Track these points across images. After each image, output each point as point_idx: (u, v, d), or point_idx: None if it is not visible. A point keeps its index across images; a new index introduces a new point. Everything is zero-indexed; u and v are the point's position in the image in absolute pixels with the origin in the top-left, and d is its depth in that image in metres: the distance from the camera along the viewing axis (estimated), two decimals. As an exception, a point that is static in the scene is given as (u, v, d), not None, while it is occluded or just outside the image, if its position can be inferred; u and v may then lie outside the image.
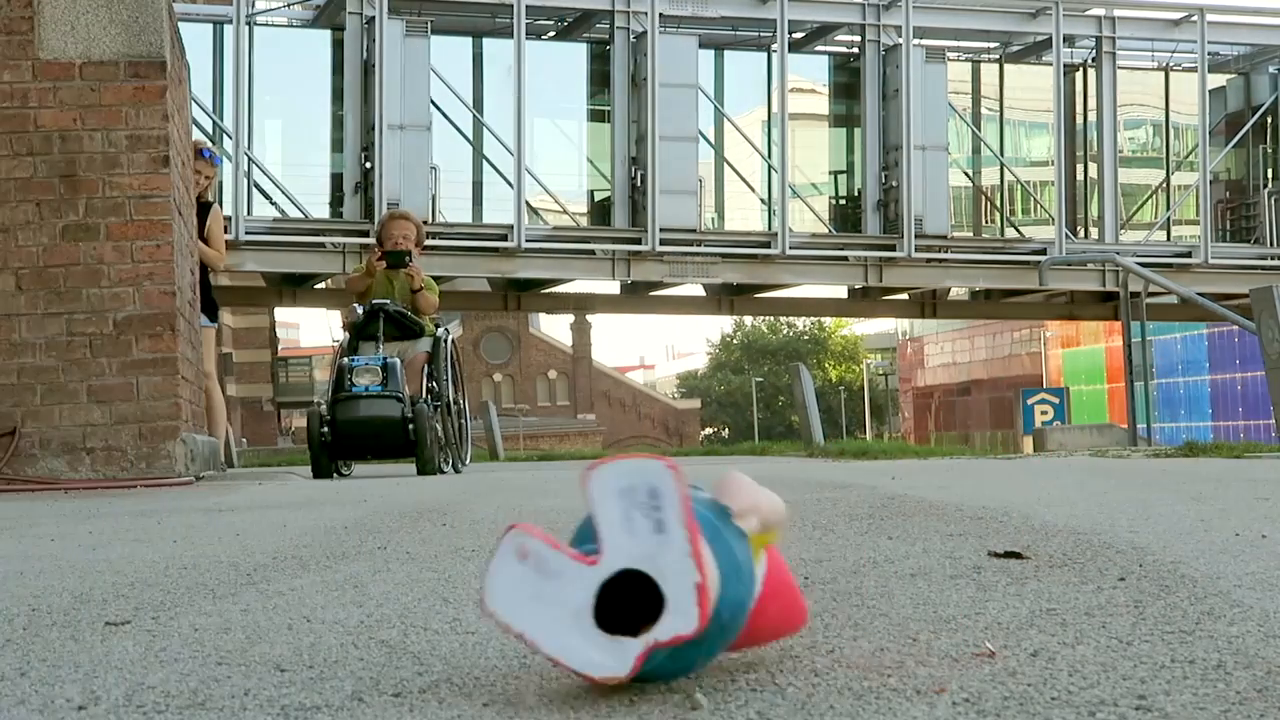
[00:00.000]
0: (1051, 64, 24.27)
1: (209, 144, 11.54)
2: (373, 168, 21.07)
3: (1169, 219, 25.51)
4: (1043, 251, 23.06)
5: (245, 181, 21.02)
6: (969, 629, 1.77)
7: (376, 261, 9.34)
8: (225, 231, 10.19)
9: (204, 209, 9.54)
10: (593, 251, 22.63)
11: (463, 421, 9.93)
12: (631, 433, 71.68)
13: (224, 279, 19.36)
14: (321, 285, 23.48)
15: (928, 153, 23.13)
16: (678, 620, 1.33)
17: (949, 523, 3.30)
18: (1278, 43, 25.82)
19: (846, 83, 24.23)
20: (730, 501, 1.41)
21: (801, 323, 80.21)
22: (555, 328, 77.43)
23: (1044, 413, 40.85)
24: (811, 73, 24.75)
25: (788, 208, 23.01)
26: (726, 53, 23.97)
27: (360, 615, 2.04)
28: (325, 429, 8.94)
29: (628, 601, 1.37)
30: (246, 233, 20.55)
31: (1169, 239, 25.38)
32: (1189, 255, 24.67)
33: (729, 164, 23.67)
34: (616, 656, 1.36)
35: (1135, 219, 25.70)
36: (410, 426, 8.85)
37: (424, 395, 9.14)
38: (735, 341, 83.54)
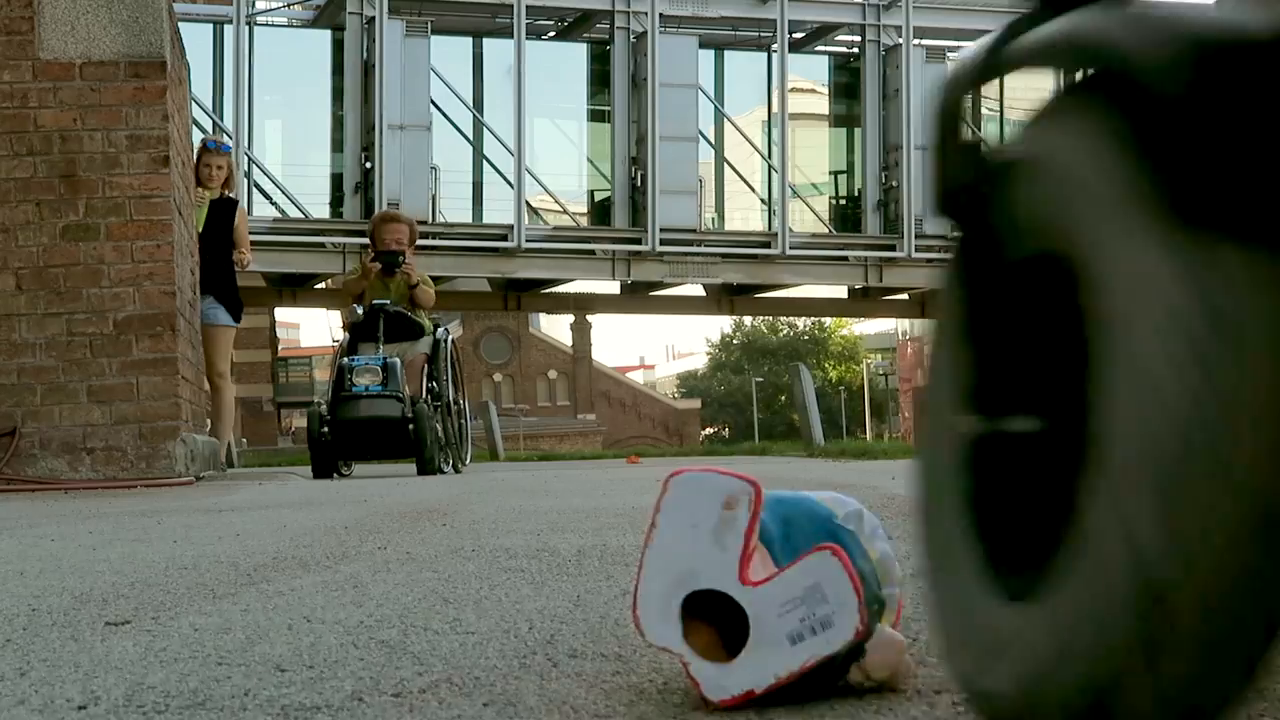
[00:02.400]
0: (1051, 64, 24.26)
1: (214, 136, 11.53)
2: (373, 168, 21.07)
3: (1169, 219, 25.53)
4: (1043, 251, 23.07)
5: (245, 181, 21.02)
6: (969, 629, 1.77)
7: (370, 264, 9.36)
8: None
9: (229, 205, 9.53)
10: (593, 251, 22.62)
11: (463, 421, 9.94)
12: (632, 433, 71.70)
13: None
14: (321, 285, 23.48)
15: (928, 153, 23.11)
16: (712, 676, 1.36)
17: (949, 523, 3.30)
18: (1278, 43, 25.81)
19: (846, 83, 24.22)
20: (875, 652, 1.41)
21: (801, 323, 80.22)
22: (555, 328, 77.45)
23: (1044, 413, 40.85)
24: (811, 73, 24.75)
25: (788, 208, 23.01)
26: (726, 53, 23.95)
27: (360, 615, 2.04)
28: (325, 429, 8.95)
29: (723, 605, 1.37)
30: (248, 233, 20.54)
31: (1169, 239, 25.39)
32: (1189, 255, 24.69)
33: (729, 164, 23.67)
34: (661, 636, 1.38)
35: (1135, 219, 25.72)
36: (410, 426, 8.86)
37: (424, 395, 9.14)
38: (735, 341, 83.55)
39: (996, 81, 1.29)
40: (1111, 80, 1.04)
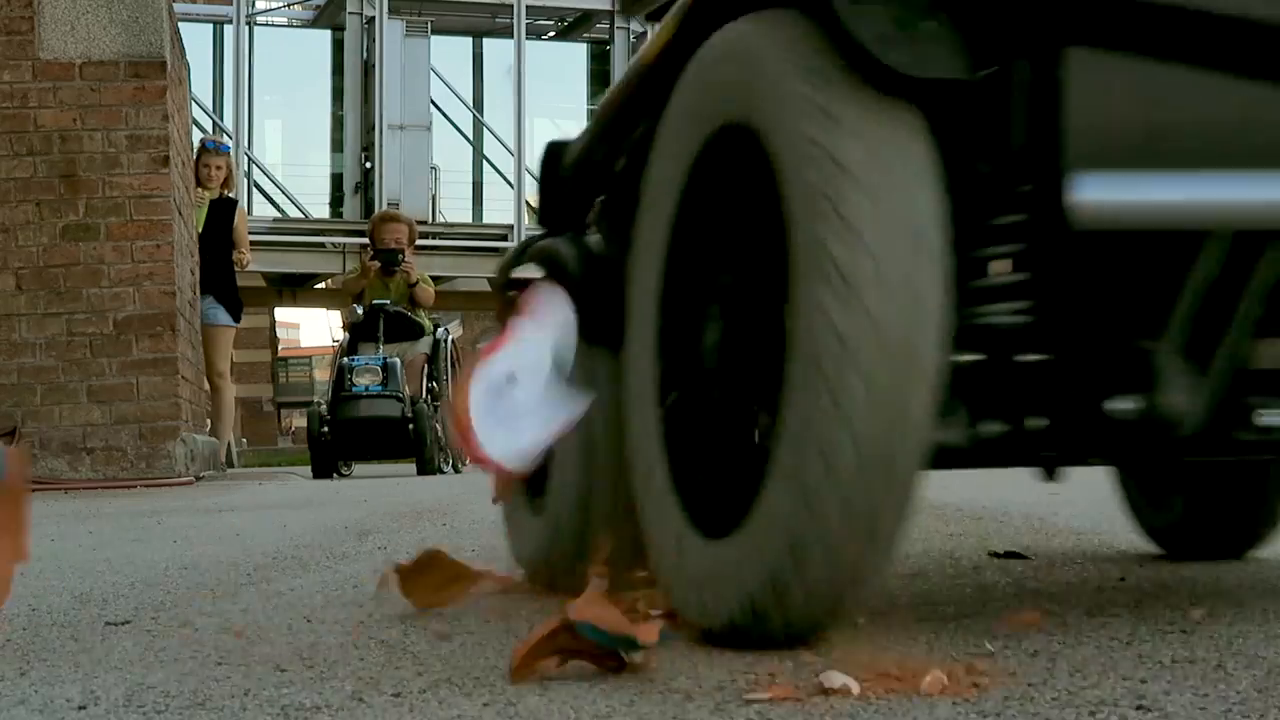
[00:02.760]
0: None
1: (213, 136, 11.52)
2: (373, 168, 21.07)
3: (1169, 219, 25.51)
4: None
5: (245, 181, 21.01)
6: (969, 629, 1.77)
7: (370, 262, 9.39)
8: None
9: (229, 205, 9.53)
10: (593, 251, 22.63)
11: (463, 421, 9.93)
12: (631, 433, 71.72)
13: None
14: (321, 285, 23.47)
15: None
16: None
17: (949, 523, 3.31)
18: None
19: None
20: None
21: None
22: (555, 328, 77.49)
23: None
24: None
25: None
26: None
27: (360, 615, 2.04)
28: (325, 429, 8.95)
29: None
30: (247, 233, 20.52)
31: (1169, 239, 25.37)
32: (1189, 255, 24.67)
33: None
34: None
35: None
36: (410, 426, 8.86)
37: (424, 395, 9.15)
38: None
39: (521, 265, 2.43)
40: (557, 269, 2.16)
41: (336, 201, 21.76)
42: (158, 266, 7.08)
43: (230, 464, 9.62)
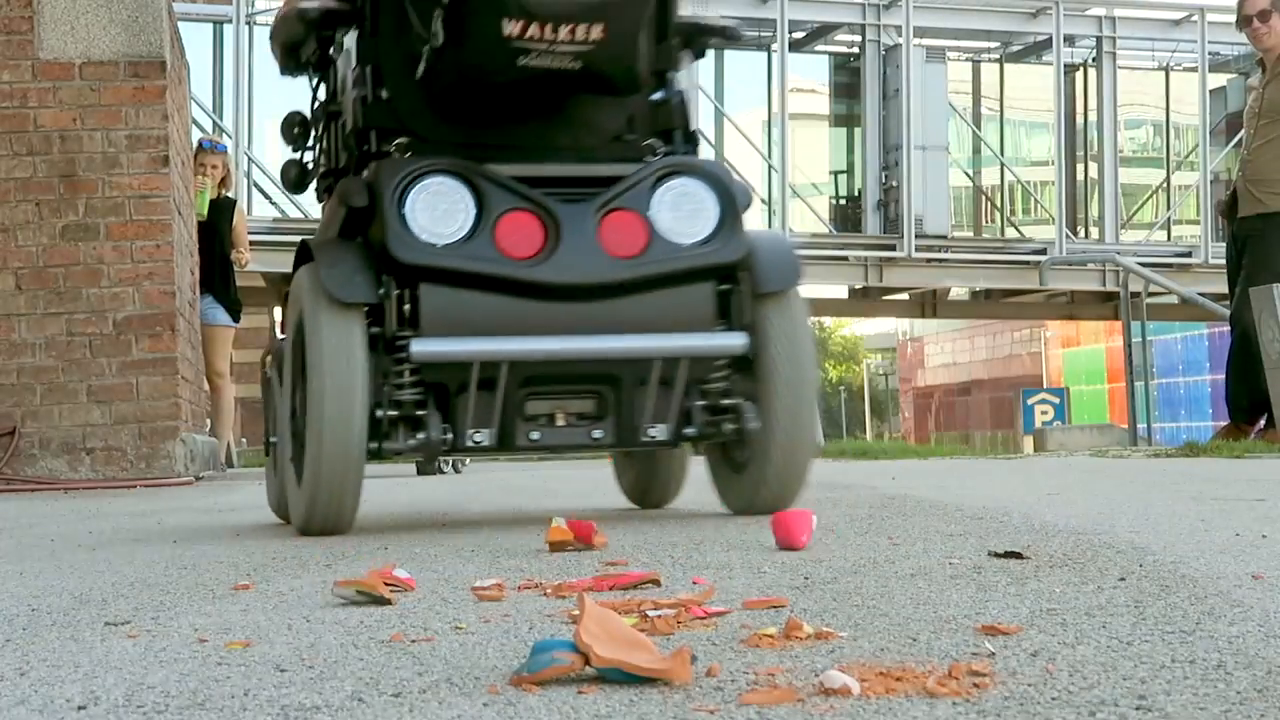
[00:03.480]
0: (1051, 64, 24.26)
1: (208, 136, 11.51)
2: (373, 168, 21.04)
3: (1169, 219, 25.50)
4: (1043, 251, 23.02)
5: (245, 181, 21.00)
6: (969, 629, 1.77)
7: None
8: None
9: (230, 205, 9.54)
10: (593, 251, 22.59)
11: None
12: (631, 433, 71.47)
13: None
14: (321, 285, 23.43)
15: (928, 153, 23.06)
16: None
17: (949, 523, 3.30)
18: (1278, 43, 25.75)
19: (847, 83, 24.20)
20: None
21: (801, 323, 79.86)
22: (555, 328, 77.25)
23: (1044, 413, 40.73)
24: (811, 73, 24.74)
25: (788, 208, 23.00)
26: (726, 53, 23.94)
27: (360, 615, 2.04)
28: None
29: None
30: (246, 233, 20.51)
31: (1169, 239, 25.35)
32: (1189, 255, 24.62)
33: (729, 164, 23.65)
34: None
35: (1135, 219, 25.67)
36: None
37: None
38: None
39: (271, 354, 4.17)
40: (277, 356, 3.94)
41: (337, 201, 21.75)
42: (158, 266, 7.08)
43: (230, 464, 9.61)
